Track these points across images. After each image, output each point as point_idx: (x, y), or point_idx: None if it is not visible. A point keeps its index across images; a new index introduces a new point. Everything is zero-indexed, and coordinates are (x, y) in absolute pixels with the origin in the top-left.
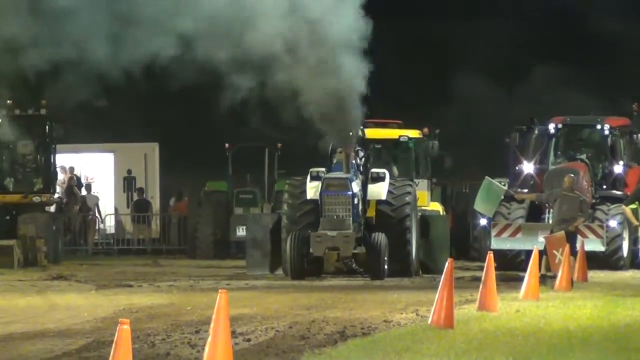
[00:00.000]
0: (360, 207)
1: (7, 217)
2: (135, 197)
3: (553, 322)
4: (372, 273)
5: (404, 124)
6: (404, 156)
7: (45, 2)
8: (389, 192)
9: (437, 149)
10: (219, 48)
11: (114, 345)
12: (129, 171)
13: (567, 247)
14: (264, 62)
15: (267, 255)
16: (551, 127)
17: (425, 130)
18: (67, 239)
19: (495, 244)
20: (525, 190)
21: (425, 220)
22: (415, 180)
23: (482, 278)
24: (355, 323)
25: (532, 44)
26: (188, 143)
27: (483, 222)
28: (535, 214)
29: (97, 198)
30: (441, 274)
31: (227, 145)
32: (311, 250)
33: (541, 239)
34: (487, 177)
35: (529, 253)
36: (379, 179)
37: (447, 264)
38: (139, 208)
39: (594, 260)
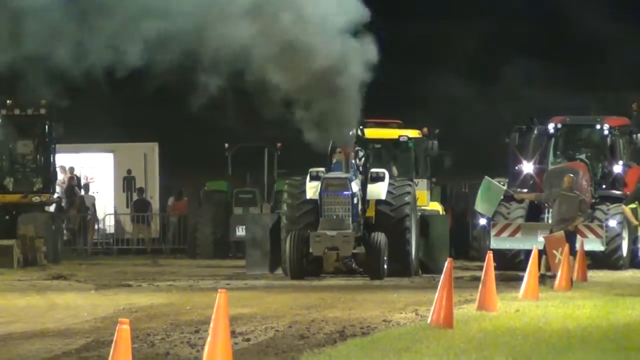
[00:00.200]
0: (359, 207)
1: (7, 217)
2: (135, 197)
3: (552, 322)
4: (372, 273)
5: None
6: (403, 156)
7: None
8: (389, 192)
9: (437, 149)
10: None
11: (113, 345)
12: (129, 171)
13: (566, 247)
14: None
15: (266, 255)
16: (551, 127)
17: (425, 130)
18: (67, 239)
19: (495, 243)
20: (525, 190)
21: (425, 220)
22: (414, 180)
23: (482, 278)
24: (354, 323)
25: (510, 41)
26: (188, 143)
27: (482, 221)
28: (534, 213)
29: (93, 198)
30: (441, 273)
31: (226, 145)
32: (311, 250)
33: (541, 238)
34: (486, 177)
35: (528, 253)
36: (378, 178)
37: (446, 263)
38: (139, 208)
39: (594, 260)
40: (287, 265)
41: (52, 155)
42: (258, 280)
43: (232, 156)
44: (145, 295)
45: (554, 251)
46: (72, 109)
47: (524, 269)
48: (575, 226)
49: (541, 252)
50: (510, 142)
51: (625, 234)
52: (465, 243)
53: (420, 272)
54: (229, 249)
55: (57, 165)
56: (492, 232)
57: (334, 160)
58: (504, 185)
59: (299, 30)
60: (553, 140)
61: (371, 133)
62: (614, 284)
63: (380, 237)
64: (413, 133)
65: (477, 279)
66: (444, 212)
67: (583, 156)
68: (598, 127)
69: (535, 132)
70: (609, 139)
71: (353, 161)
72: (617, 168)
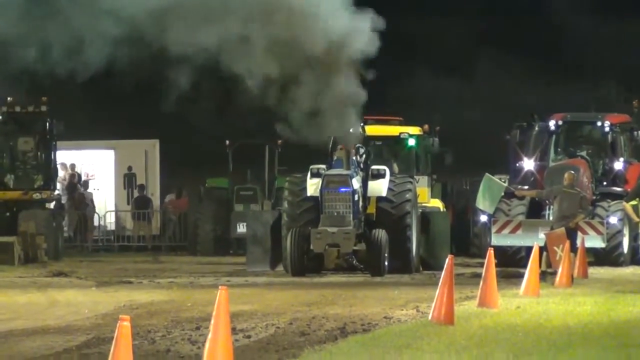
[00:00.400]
0: (360, 203)
1: (8, 214)
2: (136, 194)
3: (553, 319)
4: (373, 269)
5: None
6: (404, 153)
7: None
8: (390, 189)
9: (438, 146)
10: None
11: (114, 341)
12: (130, 168)
13: (567, 244)
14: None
15: (267, 252)
16: (551, 123)
17: (426, 127)
18: (67, 236)
19: (496, 240)
20: (526, 187)
21: (426, 217)
22: (415, 176)
23: (483, 274)
24: (355, 319)
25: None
26: (188, 140)
27: (483, 218)
28: (535, 210)
29: (91, 194)
30: (441, 270)
31: (227, 142)
32: (311, 247)
33: (541, 235)
34: (487, 174)
35: (529, 249)
36: (379, 175)
37: (447, 260)
38: (140, 205)
39: (595, 257)
40: (288, 262)
41: (53, 152)
42: (259, 277)
43: (233, 153)
44: (146, 292)
45: (555, 248)
46: (73, 106)
47: (524, 266)
48: (576, 223)
49: (542, 249)
50: (511, 139)
51: (626, 231)
52: (466, 240)
53: (421, 268)
54: (230, 246)
55: (58, 162)
56: (493, 229)
57: (335, 157)
58: (504, 182)
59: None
60: (554, 137)
61: (372, 130)
62: (615, 281)
63: (381, 234)
64: (414, 130)
65: (478, 275)
66: (445, 209)
67: (584, 153)
68: (599, 124)
69: (536, 129)
70: (609, 136)
71: (354, 158)
72: (618, 165)
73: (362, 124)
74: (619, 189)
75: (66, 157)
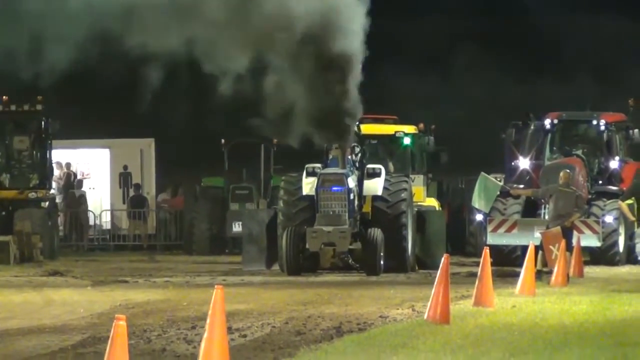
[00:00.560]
0: (356, 202)
1: (3, 213)
2: (132, 193)
3: (549, 318)
4: (368, 268)
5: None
6: (399, 152)
7: None
8: (385, 188)
9: (433, 145)
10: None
11: (110, 341)
12: (125, 167)
13: (563, 243)
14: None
15: (263, 251)
16: (547, 122)
17: (421, 125)
18: (63, 235)
19: (492, 239)
20: (521, 186)
21: (421, 216)
22: (411, 175)
23: (478, 274)
24: (351, 319)
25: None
26: (184, 139)
27: (479, 217)
28: (531, 209)
29: (84, 192)
30: (437, 269)
31: (223, 141)
32: (307, 246)
33: (537, 234)
34: (482, 173)
35: (525, 248)
36: (374, 174)
37: (443, 259)
38: (135, 204)
39: (590, 256)
40: (284, 261)
41: (48, 151)
42: (254, 276)
43: (229, 152)
44: (142, 292)
45: (551, 247)
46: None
47: (520, 265)
48: (571, 222)
49: (538, 248)
50: (507, 138)
51: (621, 230)
52: (461, 239)
53: (416, 267)
54: (226, 245)
55: (53, 161)
56: (489, 228)
57: (330, 156)
58: (500, 181)
59: None
60: (549, 136)
61: (367, 129)
62: (611, 280)
63: (376, 233)
64: (409, 129)
65: (474, 274)
66: (441, 208)
67: (579, 152)
68: (594, 122)
69: (532, 127)
70: (605, 135)
71: (349, 157)
72: (614, 164)
73: (357, 123)
74: (614, 188)
75: (61, 156)
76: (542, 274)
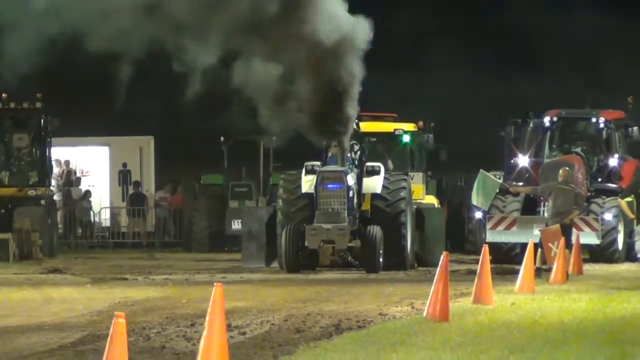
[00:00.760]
0: (355, 200)
1: (3, 211)
2: (131, 191)
3: (548, 315)
4: (368, 266)
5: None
6: (399, 149)
7: None
8: (384, 186)
9: (432, 142)
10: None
11: (109, 338)
12: (124, 164)
13: (562, 240)
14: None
15: (262, 248)
16: (546, 120)
17: (420, 123)
18: (62, 233)
19: (491, 237)
20: (521, 184)
21: (421, 213)
22: (410, 173)
23: (478, 271)
24: (350, 316)
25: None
26: (183, 136)
27: (478, 215)
28: (530, 207)
29: (80, 190)
30: (436, 267)
31: (222, 138)
32: (306, 244)
33: (536, 232)
34: (481, 170)
35: (524, 246)
36: (373, 172)
37: (442, 257)
38: (135, 201)
39: (590, 253)
40: (283, 259)
41: (47, 149)
42: (254, 273)
43: (228, 149)
44: (141, 289)
45: (550, 244)
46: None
47: (519, 262)
48: (571, 219)
49: (537, 246)
50: (506, 136)
51: (620, 228)
52: (461, 236)
53: (416, 265)
54: (225, 243)
55: (52, 159)
56: (488, 226)
57: (330, 154)
58: (499, 178)
59: None
60: (549, 133)
61: (366, 126)
62: (610, 278)
63: (375, 231)
64: (408, 126)
65: (473, 272)
66: (440, 206)
67: (579, 149)
68: (593, 120)
69: (531, 125)
70: (604, 132)
71: (348, 154)
72: (613, 161)
73: (356, 121)
74: (613, 186)
75: (61, 153)
76: (541, 272)
